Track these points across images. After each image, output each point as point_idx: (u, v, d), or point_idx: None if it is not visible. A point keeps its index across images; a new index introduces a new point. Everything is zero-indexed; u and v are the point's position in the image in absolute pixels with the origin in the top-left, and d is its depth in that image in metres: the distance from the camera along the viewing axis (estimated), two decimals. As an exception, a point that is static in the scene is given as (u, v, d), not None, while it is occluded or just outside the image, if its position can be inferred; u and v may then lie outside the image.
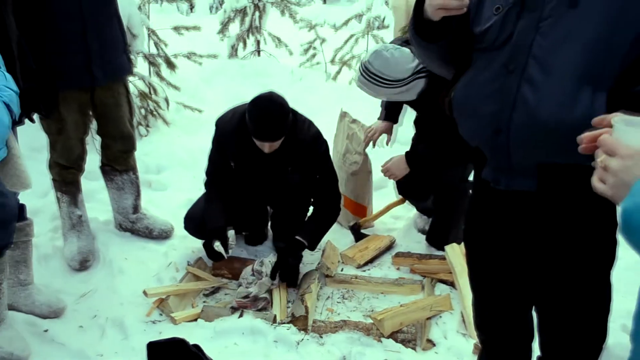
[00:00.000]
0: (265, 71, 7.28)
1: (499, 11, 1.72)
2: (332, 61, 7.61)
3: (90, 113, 3.56)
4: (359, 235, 3.94)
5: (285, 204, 3.57)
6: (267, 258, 3.39)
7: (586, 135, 1.26)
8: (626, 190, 1.06)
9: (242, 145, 3.33)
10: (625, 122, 1.15)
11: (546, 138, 1.66)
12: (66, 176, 3.52)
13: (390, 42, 3.65)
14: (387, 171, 3.72)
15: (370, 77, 3.31)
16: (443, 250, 3.55)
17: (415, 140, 3.94)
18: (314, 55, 7.82)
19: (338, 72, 7.45)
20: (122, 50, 3.50)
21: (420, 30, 1.85)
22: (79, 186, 3.63)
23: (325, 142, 3.48)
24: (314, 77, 7.38)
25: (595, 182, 1.15)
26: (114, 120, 3.55)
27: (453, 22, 1.78)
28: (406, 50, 3.29)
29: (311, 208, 3.66)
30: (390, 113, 3.98)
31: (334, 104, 5.90)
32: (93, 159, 3.81)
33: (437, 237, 3.75)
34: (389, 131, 3.98)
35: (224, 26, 7.66)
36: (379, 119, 4.00)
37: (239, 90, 6.32)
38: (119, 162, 3.70)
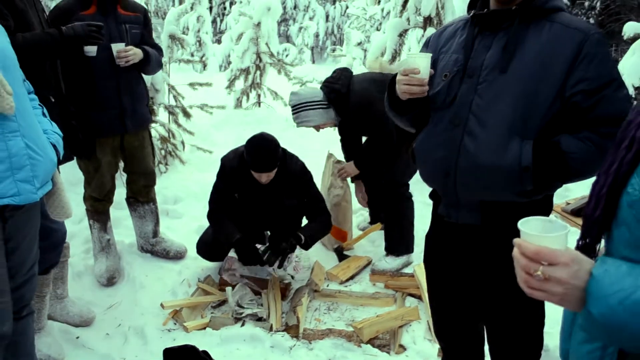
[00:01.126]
0: (265, 119, 7.29)
1: (446, 77, 1.77)
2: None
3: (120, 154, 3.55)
4: (342, 256, 3.92)
5: (282, 226, 3.53)
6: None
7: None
8: (577, 293, 0.94)
9: (244, 179, 3.32)
10: (536, 226, 1.03)
11: (485, 179, 1.69)
12: (98, 207, 3.49)
13: None
14: (343, 172, 3.87)
15: (297, 108, 3.56)
16: (398, 255, 3.64)
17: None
18: (305, 107, 7.79)
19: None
20: (146, 103, 3.54)
21: (393, 105, 1.92)
22: (109, 215, 3.59)
23: (309, 172, 3.50)
24: (305, 124, 7.37)
25: (536, 293, 1.00)
26: (139, 160, 3.54)
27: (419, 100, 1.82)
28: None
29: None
30: (349, 155, 4.00)
31: (321, 147, 5.90)
32: (121, 192, 3.78)
33: (391, 245, 3.73)
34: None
35: (231, 82, 7.71)
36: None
37: (243, 134, 6.18)
38: (141, 195, 3.67)
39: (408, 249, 3.73)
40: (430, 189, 1.96)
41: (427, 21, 5.09)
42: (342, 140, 4.06)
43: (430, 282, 2.09)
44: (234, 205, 3.45)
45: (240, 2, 13.92)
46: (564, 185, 1.85)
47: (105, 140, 3.34)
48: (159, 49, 3.52)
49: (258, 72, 7.74)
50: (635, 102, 5.38)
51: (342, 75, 3.65)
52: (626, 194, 0.99)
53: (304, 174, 3.45)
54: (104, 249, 3.53)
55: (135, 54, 3.20)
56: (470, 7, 1.81)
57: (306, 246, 3.39)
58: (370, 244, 4.16)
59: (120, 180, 4.24)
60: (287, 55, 17.43)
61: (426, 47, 1.96)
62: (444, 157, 1.75)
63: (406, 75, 1.74)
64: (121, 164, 3.67)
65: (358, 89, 3.51)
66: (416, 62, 1.73)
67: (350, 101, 3.49)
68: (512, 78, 1.63)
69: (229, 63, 10.47)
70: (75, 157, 3.12)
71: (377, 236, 4.19)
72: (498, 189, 1.69)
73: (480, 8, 1.76)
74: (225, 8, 20.62)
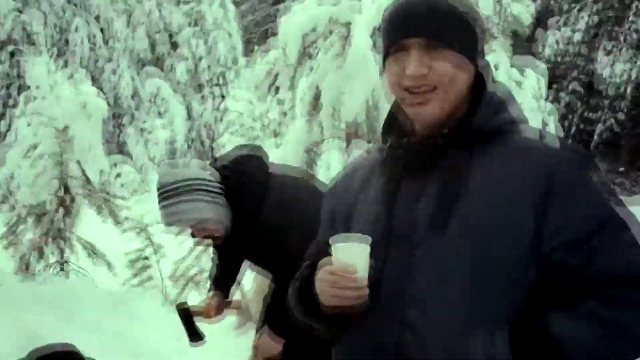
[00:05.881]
0: (73, 296, 5.19)
1: None
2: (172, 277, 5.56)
3: None
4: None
5: None
6: None
7: None
8: None
9: None
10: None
11: None
12: None
13: None
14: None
15: None
16: None
17: None
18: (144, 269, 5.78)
19: (180, 293, 5.39)
20: None
21: (307, 309, 1.41)
22: None
23: None
24: (144, 302, 5.45)
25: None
26: None
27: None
28: None
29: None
30: None
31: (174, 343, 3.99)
32: None
33: None
34: None
35: (11, 231, 5.53)
36: None
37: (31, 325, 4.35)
38: None
39: None
40: None
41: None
42: None
43: None
44: None
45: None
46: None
47: None
48: None
49: (61, 211, 5.62)
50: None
51: None
52: None
53: None
54: None
55: None
56: (385, 132, 1.38)
57: None
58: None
59: None
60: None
61: (333, 195, 1.52)
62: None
63: (335, 275, 1.26)
64: None
65: None
66: (352, 254, 1.22)
67: None
68: (458, 238, 1.24)
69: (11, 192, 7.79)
70: None
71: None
72: None
73: (399, 135, 1.34)
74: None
